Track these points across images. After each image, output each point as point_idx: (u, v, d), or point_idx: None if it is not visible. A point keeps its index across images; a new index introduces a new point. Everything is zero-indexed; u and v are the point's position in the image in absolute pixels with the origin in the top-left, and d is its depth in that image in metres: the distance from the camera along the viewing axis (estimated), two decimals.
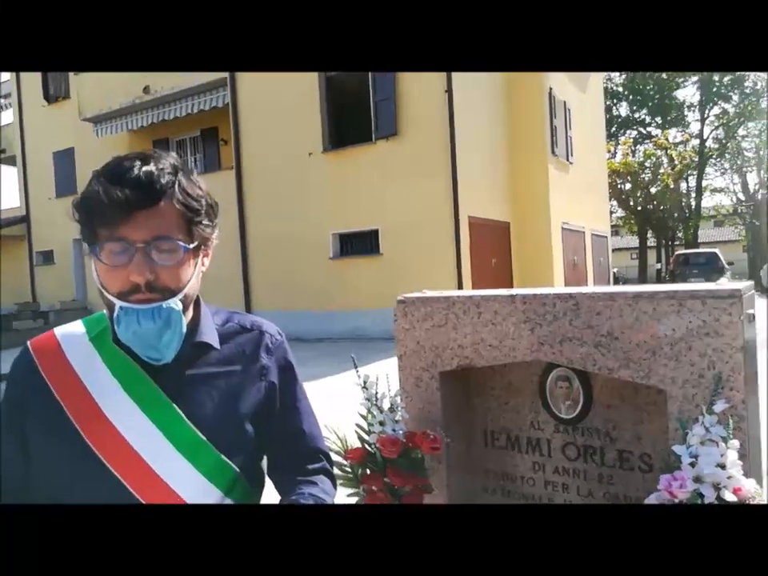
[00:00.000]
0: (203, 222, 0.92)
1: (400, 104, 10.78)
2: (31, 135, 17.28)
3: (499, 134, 12.16)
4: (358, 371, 1.50)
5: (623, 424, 1.39)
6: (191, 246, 0.90)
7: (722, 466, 0.99)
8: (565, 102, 13.47)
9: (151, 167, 0.86)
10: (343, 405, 1.56)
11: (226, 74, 12.31)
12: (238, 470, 0.95)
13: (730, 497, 0.93)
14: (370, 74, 10.88)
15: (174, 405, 0.92)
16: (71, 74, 15.15)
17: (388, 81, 10.78)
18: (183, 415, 0.92)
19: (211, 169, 13.82)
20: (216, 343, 0.99)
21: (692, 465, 1.02)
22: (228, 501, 0.95)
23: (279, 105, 11.92)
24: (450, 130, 10.24)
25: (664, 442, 1.30)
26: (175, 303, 0.88)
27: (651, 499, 1.08)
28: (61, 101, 16.36)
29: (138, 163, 0.86)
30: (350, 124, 11.65)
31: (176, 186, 0.88)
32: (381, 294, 10.10)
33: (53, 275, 16.18)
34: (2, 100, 20.59)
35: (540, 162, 12.29)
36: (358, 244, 11.54)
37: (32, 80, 16.95)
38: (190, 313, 0.98)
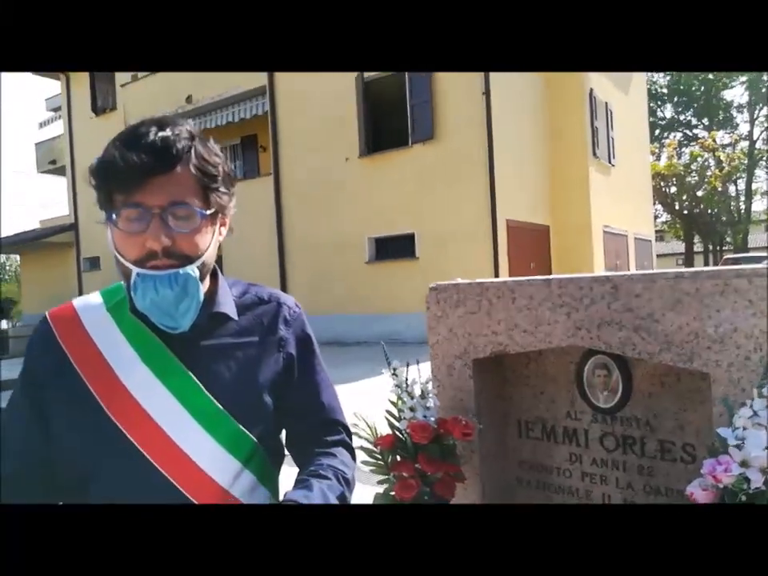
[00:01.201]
0: (220, 189, 0.91)
1: (437, 107, 10.76)
2: (80, 146, 17.93)
3: (538, 135, 12.00)
4: (387, 358, 1.48)
5: (665, 413, 1.34)
6: (208, 212, 0.89)
7: None
8: (606, 104, 13.21)
9: (167, 132, 0.86)
10: (377, 405, 1.55)
11: (265, 82, 12.55)
12: (255, 440, 0.95)
13: None
14: (406, 76, 10.92)
15: (192, 375, 0.91)
16: (118, 87, 15.70)
17: (424, 84, 10.78)
18: (201, 385, 0.91)
19: (250, 175, 14.09)
20: (234, 314, 0.98)
21: (738, 448, 0.97)
22: (246, 472, 0.94)
23: (317, 111, 12.08)
24: (488, 132, 10.16)
25: (708, 431, 1.23)
26: (192, 270, 0.87)
27: (694, 485, 1.03)
28: (108, 112, 16.93)
29: (153, 128, 0.86)
30: (387, 128, 11.71)
31: (192, 151, 0.88)
32: (417, 298, 10.05)
33: (99, 280, 16.64)
34: (53, 113, 21.46)
35: (581, 163, 12.07)
36: (394, 248, 11.54)
37: (81, 93, 17.61)
38: (207, 283, 0.97)
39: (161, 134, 0.86)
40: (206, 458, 0.90)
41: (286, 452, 1.06)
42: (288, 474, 1.02)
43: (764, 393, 1.01)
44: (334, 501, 0.91)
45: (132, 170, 0.82)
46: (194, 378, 0.92)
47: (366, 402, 1.60)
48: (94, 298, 1.00)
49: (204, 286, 0.93)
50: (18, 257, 22.16)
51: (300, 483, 0.93)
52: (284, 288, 12.75)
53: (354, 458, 1.07)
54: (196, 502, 0.88)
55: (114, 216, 0.86)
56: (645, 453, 1.36)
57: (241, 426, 0.93)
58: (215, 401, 0.92)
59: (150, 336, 0.92)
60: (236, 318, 0.99)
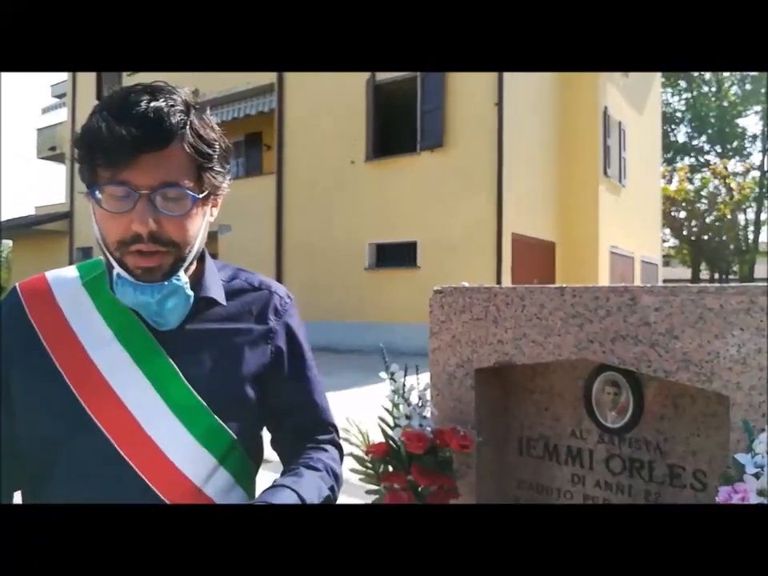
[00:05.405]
0: (215, 168, 0.84)
1: (447, 115, 10.73)
2: None
3: (549, 150, 11.96)
4: (386, 361, 1.41)
5: (677, 437, 1.26)
6: (200, 195, 0.82)
7: None
8: (620, 122, 13.18)
9: (161, 103, 0.78)
10: (370, 414, 1.49)
11: (274, 80, 12.53)
12: (234, 436, 0.88)
13: None
14: (418, 81, 10.90)
15: (171, 361, 0.85)
16: (124, 76, 15.60)
17: (436, 90, 10.77)
18: (180, 372, 0.85)
19: (253, 173, 14.05)
20: (222, 299, 0.92)
21: (756, 476, 0.90)
22: (222, 470, 0.87)
23: (325, 111, 12.05)
24: (498, 143, 10.13)
25: (722, 459, 1.16)
26: (178, 279, 0.82)
27: None
28: None
29: (145, 97, 0.78)
30: (395, 133, 11.69)
31: (187, 126, 0.80)
32: (415, 308, 9.98)
33: None
34: (57, 99, 21.38)
35: (591, 181, 12.02)
36: (395, 255, 11.48)
37: (86, 81, 17.39)
38: (194, 266, 0.91)
39: (153, 104, 0.78)
40: (180, 453, 0.83)
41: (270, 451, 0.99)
42: (266, 477, 0.94)
43: None
44: (325, 491, 0.87)
45: (119, 145, 0.75)
46: (173, 364, 0.85)
47: (359, 411, 1.53)
48: (70, 271, 0.93)
49: (190, 270, 0.88)
50: (10, 242, 22.04)
51: (290, 471, 0.88)
52: None
53: (342, 457, 1.00)
54: (164, 498, 0.82)
55: (97, 193, 0.80)
56: (653, 478, 1.29)
57: (219, 420, 0.86)
58: (193, 390, 0.85)
59: (129, 315, 0.85)
60: (224, 303, 0.93)
